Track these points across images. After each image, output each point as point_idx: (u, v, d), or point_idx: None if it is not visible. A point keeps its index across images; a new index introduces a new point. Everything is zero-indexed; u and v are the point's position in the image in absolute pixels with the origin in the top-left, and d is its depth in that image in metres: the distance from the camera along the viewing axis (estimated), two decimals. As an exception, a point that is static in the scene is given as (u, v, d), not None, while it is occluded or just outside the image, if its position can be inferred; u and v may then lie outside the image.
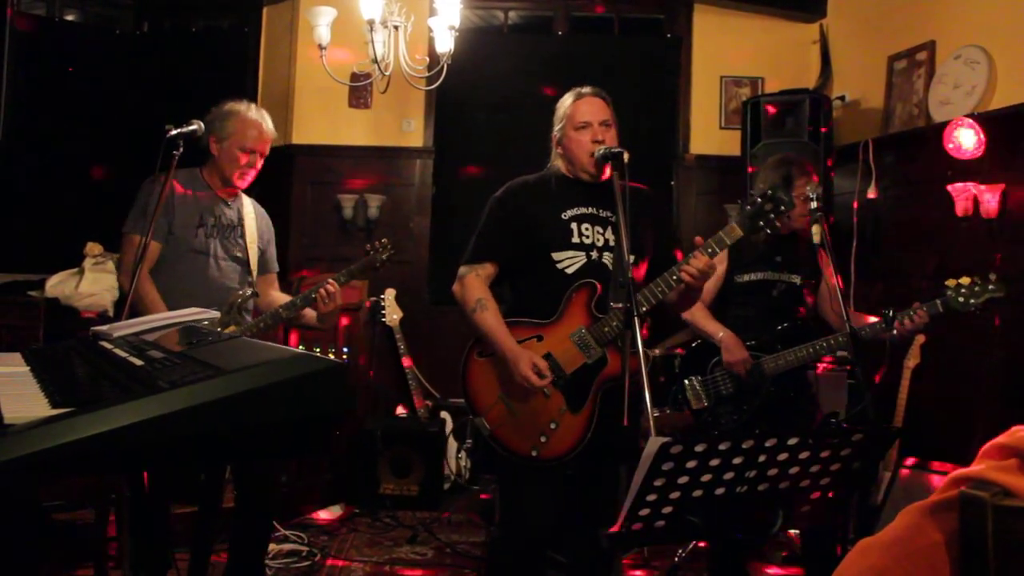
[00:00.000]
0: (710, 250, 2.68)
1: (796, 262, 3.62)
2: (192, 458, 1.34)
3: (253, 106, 3.39)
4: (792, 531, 4.07)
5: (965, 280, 3.27)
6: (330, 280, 3.19)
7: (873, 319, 3.42)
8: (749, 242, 3.30)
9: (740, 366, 3.49)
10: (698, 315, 3.62)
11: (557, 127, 2.92)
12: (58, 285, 4.79)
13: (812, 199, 3.23)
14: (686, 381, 3.63)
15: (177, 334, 2.02)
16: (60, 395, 1.43)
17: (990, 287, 3.25)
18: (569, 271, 2.81)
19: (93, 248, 4.95)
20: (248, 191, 3.49)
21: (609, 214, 2.86)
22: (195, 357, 1.51)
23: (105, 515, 3.42)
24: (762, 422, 3.52)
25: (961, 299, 3.26)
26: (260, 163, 3.39)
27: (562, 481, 2.84)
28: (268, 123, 3.40)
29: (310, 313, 3.31)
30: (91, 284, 4.77)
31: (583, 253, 2.82)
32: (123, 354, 1.74)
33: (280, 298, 3.47)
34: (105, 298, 4.79)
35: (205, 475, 3.25)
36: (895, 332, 3.33)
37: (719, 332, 3.55)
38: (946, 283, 3.32)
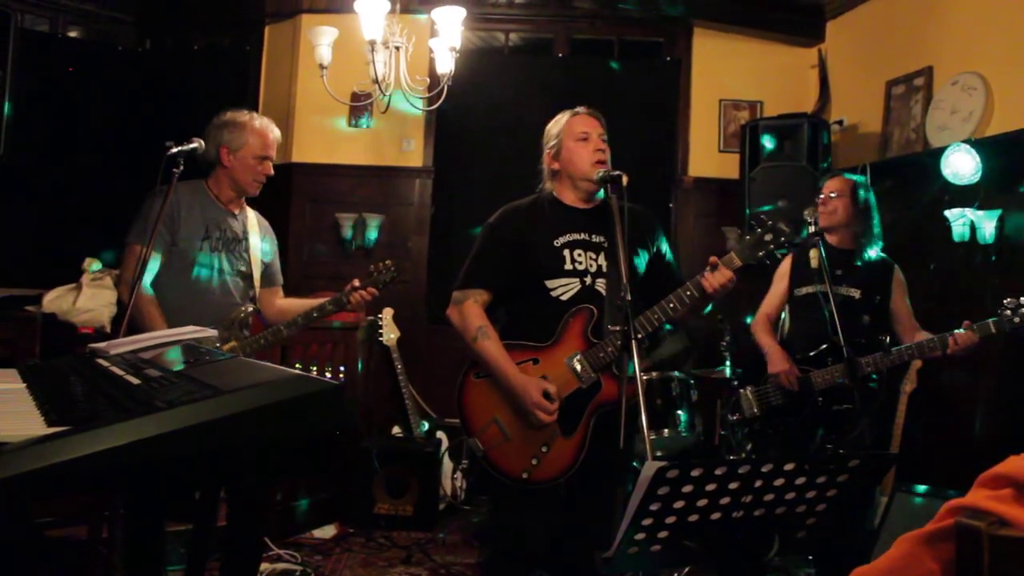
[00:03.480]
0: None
1: (857, 277, 3.67)
2: (188, 477, 1.34)
3: (253, 113, 3.40)
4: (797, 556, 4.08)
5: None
6: (370, 288, 3.23)
7: (925, 335, 3.47)
8: (807, 257, 3.46)
9: (783, 378, 3.61)
10: (758, 330, 3.84)
11: (551, 143, 2.93)
12: (55, 300, 4.78)
13: (810, 223, 3.26)
14: (741, 390, 3.82)
15: (174, 352, 2.02)
16: (56, 413, 1.42)
17: None
18: (564, 298, 2.82)
19: (91, 264, 4.95)
20: (251, 203, 3.50)
21: (602, 239, 2.88)
22: (192, 376, 1.51)
23: (98, 532, 3.41)
24: (809, 433, 3.65)
25: (1018, 320, 3.16)
26: (271, 167, 3.40)
27: (556, 503, 2.83)
28: (274, 127, 3.41)
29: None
30: (89, 300, 4.77)
31: (576, 279, 2.83)
32: (120, 372, 1.74)
33: (292, 305, 3.46)
34: (103, 314, 4.78)
35: (200, 493, 3.23)
36: (947, 352, 3.32)
37: (768, 346, 3.72)
38: (1004, 302, 3.21)
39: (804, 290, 3.76)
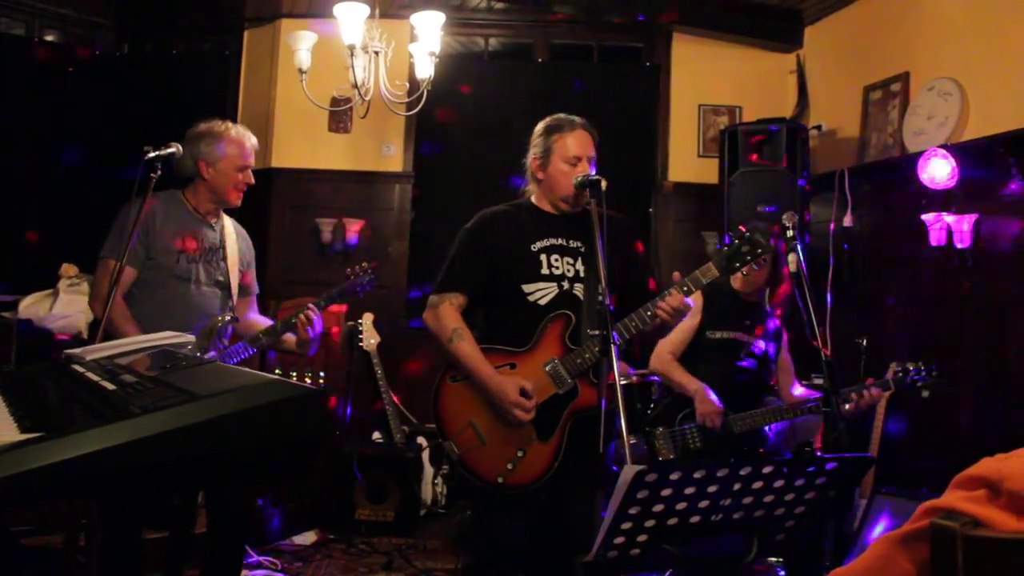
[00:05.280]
0: (685, 288, 2.70)
1: (764, 330, 3.80)
2: (165, 484, 1.33)
3: (228, 123, 3.37)
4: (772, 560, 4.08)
5: (909, 365, 3.50)
6: (310, 305, 3.18)
7: (804, 391, 3.70)
8: (722, 300, 3.46)
9: (713, 417, 3.55)
10: (671, 367, 3.73)
11: (539, 150, 2.89)
12: (31, 306, 4.75)
13: (788, 228, 3.27)
14: (656, 431, 3.70)
15: (151, 358, 2.00)
16: (30, 420, 1.41)
17: (934, 374, 3.48)
18: (542, 302, 2.81)
19: (68, 269, 4.91)
20: (228, 212, 3.47)
21: (579, 244, 2.88)
22: (169, 382, 1.50)
23: (75, 540, 3.37)
24: None
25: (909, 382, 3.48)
26: (251, 176, 3.38)
27: (534, 508, 2.83)
28: (251, 135, 3.39)
29: (290, 338, 3.29)
30: (65, 306, 4.73)
31: (554, 284, 2.83)
32: (95, 378, 1.72)
33: (260, 322, 3.44)
34: (79, 320, 4.74)
35: (178, 500, 3.20)
36: (850, 407, 3.48)
37: (692, 384, 3.64)
38: (891, 365, 3.53)
39: (719, 334, 3.73)
